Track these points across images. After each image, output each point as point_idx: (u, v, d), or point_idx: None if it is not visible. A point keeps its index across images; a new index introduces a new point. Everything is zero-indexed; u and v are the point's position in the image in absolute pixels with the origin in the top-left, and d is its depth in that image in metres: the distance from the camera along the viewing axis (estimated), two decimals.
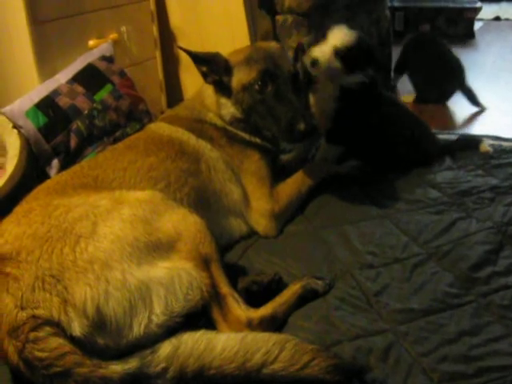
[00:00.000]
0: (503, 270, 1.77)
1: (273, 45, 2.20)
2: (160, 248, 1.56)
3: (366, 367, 1.41)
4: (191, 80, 3.30)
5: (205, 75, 2.12)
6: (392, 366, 1.43)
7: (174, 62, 3.51)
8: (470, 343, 1.49)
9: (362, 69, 2.23)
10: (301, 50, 2.49)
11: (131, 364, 1.35)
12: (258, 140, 2.15)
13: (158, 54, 3.41)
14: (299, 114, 1.97)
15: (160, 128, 2.17)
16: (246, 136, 2.15)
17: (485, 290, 1.69)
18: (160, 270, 1.50)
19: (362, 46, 2.16)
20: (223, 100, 2.13)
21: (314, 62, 2.13)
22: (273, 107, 2.02)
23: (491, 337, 1.51)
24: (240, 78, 2.07)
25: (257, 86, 2.03)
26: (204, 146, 2.09)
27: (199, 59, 2.09)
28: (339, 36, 2.15)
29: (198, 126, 2.14)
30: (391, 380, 1.40)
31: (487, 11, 7.04)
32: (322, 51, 2.14)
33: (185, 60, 3.36)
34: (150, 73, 3.37)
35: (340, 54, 2.13)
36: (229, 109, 2.12)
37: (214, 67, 2.09)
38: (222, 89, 2.12)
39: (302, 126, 1.93)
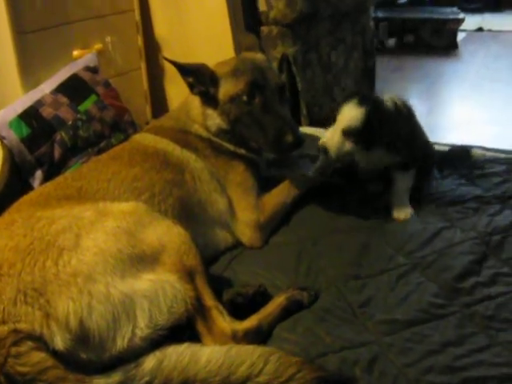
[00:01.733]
0: (487, 280, 1.77)
1: (259, 56, 2.21)
2: (144, 260, 1.55)
3: (352, 379, 1.41)
4: (176, 91, 3.29)
5: (191, 86, 2.11)
6: (377, 378, 1.43)
7: (159, 73, 3.50)
8: (454, 354, 1.49)
9: (380, 144, 2.03)
10: (286, 61, 2.49)
11: (115, 378, 1.35)
12: (243, 151, 2.16)
13: (142, 64, 3.40)
14: (287, 125, 1.99)
15: (145, 139, 2.16)
16: (231, 147, 2.15)
17: (469, 300, 1.69)
18: (144, 282, 1.49)
19: (373, 123, 1.95)
20: (209, 111, 2.13)
21: (324, 150, 1.99)
22: (260, 119, 2.02)
23: (475, 347, 1.51)
24: (227, 89, 2.08)
25: (244, 98, 2.04)
26: (189, 156, 2.09)
27: (185, 70, 2.09)
28: (347, 117, 1.96)
29: (182, 137, 2.14)
30: None
31: (470, 22, 7.13)
32: (331, 137, 1.98)
33: (170, 71, 3.36)
34: (134, 83, 3.36)
35: (350, 136, 1.96)
36: (215, 120, 2.12)
37: (200, 78, 2.09)
38: (208, 100, 2.12)
39: (290, 138, 1.96)
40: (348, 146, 1.98)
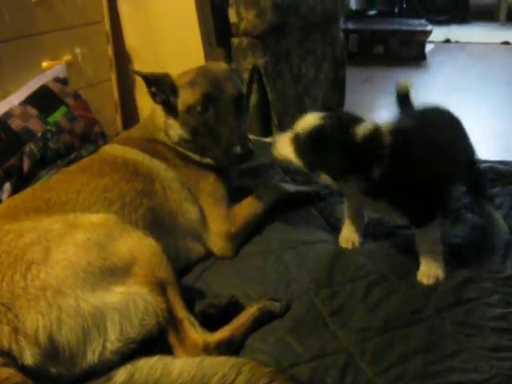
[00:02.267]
0: (457, 285, 1.80)
1: (221, 66, 2.22)
2: (115, 273, 1.53)
3: None
4: (147, 101, 3.24)
5: (153, 95, 2.13)
6: None
7: (130, 84, 3.49)
8: (425, 360, 1.51)
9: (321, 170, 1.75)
10: (256, 72, 2.49)
11: None
12: (208, 160, 2.16)
13: (113, 75, 3.39)
14: (236, 137, 2.02)
15: (114, 149, 2.15)
16: (197, 157, 2.15)
17: (439, 306, 1.72)
18: (115, 295, 1.48)
19: (325, 134, 1.72)
20: (171, 121, 2.14)
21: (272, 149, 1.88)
22: (213, 129, 2.06)
23: (445, 353, 1.53)
24: (185, 99, 2.09)
25: (199, 108, 2.06)
26: (159, 165, 2.08)
27: (148, 80, 2.11)
28: (300, 124, 1.79)
29: (151, 146, 2.14)
30: None
31: (438, 34, 7.25)
32: (281, 138, 1.86)
33: (140, 81, 3.30)
34: (105, 94, 3.34)
35: (293, 142, 1.78)
36: (176, 130, 2.13)
37: (161, 87, 2.11)
38: (170, 109, 2.13)
39: (238, 150, 1.99)
40: (288, 150, 1.80)
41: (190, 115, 2.08)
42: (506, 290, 1.79)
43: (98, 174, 1.97)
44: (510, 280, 1.83)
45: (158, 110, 2.19)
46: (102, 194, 1.90)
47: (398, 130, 1.76)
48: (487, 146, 3.83)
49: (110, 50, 3.36)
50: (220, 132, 2.04)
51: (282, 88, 3.56)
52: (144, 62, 3.39)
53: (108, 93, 3.37)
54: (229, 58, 3.40)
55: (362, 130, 1.70)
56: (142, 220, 1.91)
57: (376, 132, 1.72)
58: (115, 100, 3.42)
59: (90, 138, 2.67)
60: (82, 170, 2.03)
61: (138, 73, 2.14)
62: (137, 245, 1.63)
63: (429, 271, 1.82)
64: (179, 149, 2.15)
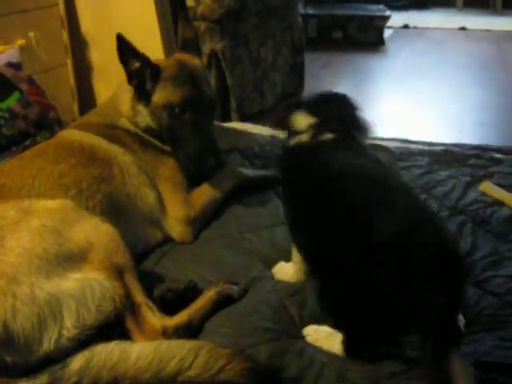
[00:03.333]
0: None
1: (197, 64, 2.19)
2: (71, 259, 1.52)
3: (280, 369, 1.43)
4: (105, 87, 3.24)
5: (132, 74, 2.05)
6: (305, 367, 1.45)
7: (87, 69, 3.44)
8: None
9: None
10: (215, 57, 2.48)
11: (41, 380, 1.32)
12: (168, 148, 2.15)
13: (69, 60, 3.34)
14: (211, 149, 2.06)
15: (71, 135, 2.12)
16: (159, 144, 2.14)
17: None
18: (71, 281, 1.47)
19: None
20: (140, 107, 2.10)
21: None
22: (187, 134, 2.05)
23: None
24: (163, 95, 2.06)
25: (177, 110, 2.04)
26: (116, 150, 2.06)
27: (136, 54, 2.02)
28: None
29: (109, 132, 2.11)
30: (305, 380, 1.43)
31: (396, 19, 7.33)
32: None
33: (98, 67, 3.32)
34: (61, 80, 3.29)
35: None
36: (144, 117, 2.10)
37: (143, 69, 2.04)
38: (142, 95, 2.09)
39: (212, 162, 2.05)
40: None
41: (164, 111, 2.06)
42: None
43: (53, 160, 1.94)
44: None
45: (125, 96, 2.14)
46: (58, 180, 1.87)
47: None
48: (443, 129, 3.92)
49: (65, 35, 3.30)
50: (194, 140, 2.05)
51: (240, 73, 3.56)
52: (101, 47, 3.35)
53: (64, 78, 3.32)
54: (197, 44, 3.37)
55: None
56: (100, 205, 1.90)
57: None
58: (71, 86, 3.38)
59: (46, 124, 2.62)
60: (37, 155, 2.00)
61: (124, 41, 1.99)
62: (93, 231, 1.62)
63: None
64: (142, 135, 2.12)
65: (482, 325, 1.60)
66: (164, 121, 2.07)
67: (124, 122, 2.14)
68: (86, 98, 3.45)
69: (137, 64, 2.03)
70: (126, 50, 2.01)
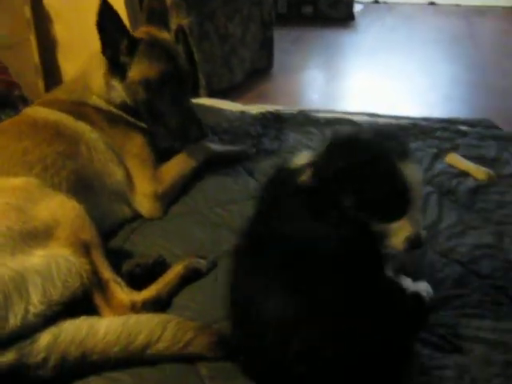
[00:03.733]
0: None
1: (167, 37, 2.16)
2: (36, 236, 1.51)
3: None
4: (70, 63, 3.19)
5: (107, 44, 1.99)
6: None
7: (51, 45, 3.37)
8: None
9: None
10: (181, 32, 2.44)
11: (8, 356, 1.31)
12: (142, 124, 2.13)
13: (32, 36, 3.26)
14: (194, 119, 2.07)
15: (36, 112, 2.08)
16: (132, 120, 2.11)
17: None
18: (36, 258, 1.46)
19: None
20: (115, 82, 2.06)
21: None
22: (167, 109, 2.05)
23: None
24: (140, 69, 2.02)
25: (154, 85, 2.02)
26: (83, 127, 2.03)
27: (117, 22, 1.97)
28: None
29: (77, 109, 2.07)
30: None
31: None
32: None
33: (62, 42, 3.25)
34: (24, 57, 3.22)
35: None
36: (119, 93, 2.07)
37: (120, 40, 1.99)
38: (116, 69, 2.04)
39: (195, 132, 2.06)
40: None
41: (141, 87, 2.03)
42: None
43: (17, 137, 1.91)
44: None
45: (97, 72, 2.08)
46: (22, 157, 1.85)
47: None
48: (412, 104, 3.95)
49: (27, 10, 3.22)
50: (175, 113, 2.05)
51: (208, 49, 3.53)
52: (65, 22, 3.28)
53: (27, 55, 3.25)
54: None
55: None
56: (66, 182, 1.88)
57: None
58: (35, 62, 3.31)
59: (10, 102, 2.58)
60: (0, 133, 1.96)
61: (107, 4, 1.92)
62: (59, 207, 1.60)
63: None
64: (114, 110, 2.09)
65: (446, 292, 1.63)
66: (140, 96, 2.05)
67: (95, 100, 2.09)
68: (50, 75, 3.38)
69: (115, 33, 1.98)
70: (107, 15, 1.94)
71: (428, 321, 1.50)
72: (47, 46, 3.33)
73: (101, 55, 2.03)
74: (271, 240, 1.31)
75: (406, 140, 1.49)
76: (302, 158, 1.42)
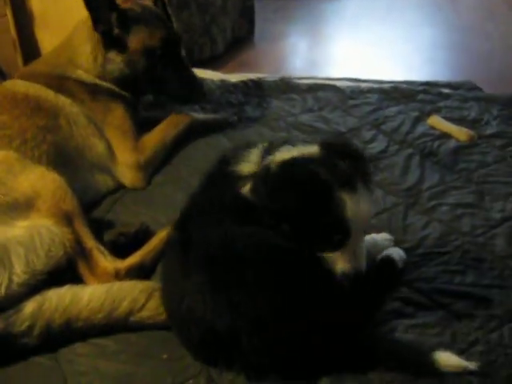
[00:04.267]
0: None
1: (154, 6, 2.17)
2: (17, 208, 1.52)
3: None
4: (47, 36, 3.14)
5: (99, 20, 1.99)
6: None
7: (28, 20, 3.31)
8: None
9: None
10: (159, 2, 2.40)
11: None
12: (126, 94, 2.12)
13: (8, 11, 3.20)
14: (196, 81, 2.18)
15: (15, 85, 2.05)
16: (116, 89, 2.10)
17: None
18: (18, 229, 1.47)
19: None
20: (112, 55, 2.06)
21: None
22: (170, 75, 2.10)
23: None
24: (139, 39, 2.04)
25: (159, 52, 2.06)
26: (64, 101, 2.01)
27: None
28: None
29: (58, 82, 2.05)
30: None
31: None
32: None
33: (39, 16, 3.19)
34: (1, 31, 3.16)
35: None
36: (118, 65, 2.06)
37: (109, 13, 1.99)
38: (110, 42, 2.04)
39: (199, 92, 2.18)
40: None
41: (143, 57, 2.05)
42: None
43: None
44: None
45: (84, 46, 2.07)
46: (1, 131, 1.83)
47: None
48: (393, 68, 3.95)
49: None
50: (178, 77, 2.11)
51: (188, 18, 3.48)
52: None
53: (4, 29, 3.20)
54: None
55: None
56: (46, 155, 1.87)
57: None
58: (13, 37, 3.25)
59: None
60: None
61: None
62: (39, 180, 1.61)
63: None
64: (100, 83, 2.07)
65: (428, 249, 1.65)
66: (144, 66, 2.07)
67: (79, 74, 2.07)
68: (28, 49, 3.33)
69: (104, 8, 1.98)
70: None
71: (400, 282, 1.52)
72: (23, 20, 3.28)
73: (87, 30, 2.04)
74: (199, 240, 1.30)
75: (364, 159, 1.38)
76: (252, 161, 1.37)
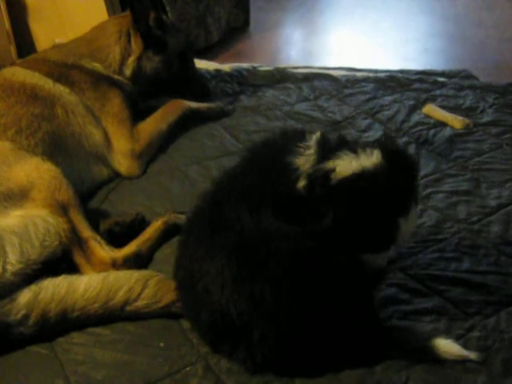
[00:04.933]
0: None
1: None
2: (12, 198, 1.51)
3: None
4: (41, 28, 3.12)
5: (142, 19, 2.11)
6: None
7: (22, 12, 3.28)
8: None
9: None
10: None
11: None
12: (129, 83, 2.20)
13: (2, 2, 3.18)
14: (205, 80, 2.52)
15: (13, 74, 2.04)
16: (125, 80, 2.18)
17: None
18: (12, 219, 1.46)
19: None
20: (149, 55, 2.17)
21: None
22: (193, 74, 2.36)
23: None
24: (176, 42, 2.21)
25: (188, 55, 2.29)
26: (62, 90, 2.01)
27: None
28: None
29: (61, 71, 2.06)
30: None
31: None
32: None
33: (32, 7, 3.17)
34: None
35: None
36: (154, 64, 2.19)
37: (148, 14, 2.14)
38: (151, 42, 2.16)
39: (208, 89, 2.46)
40: None
41: (177, 59, 2.24)
42: None
43: None
44: None
45: (115, 42, 2.16)
46: None
47: None
48: (388, 57, 3.93)
49: None
50: (198, 75, 2.42)
51: (182, 7, 3.45)
52: None
53: None
54: None
55: None
56: (42, 144, 1.86)
57: None
58: (7, 29, 3.23)
59: None
60: None
61: None
62: (34, 170, 1.60)
63: None
64: (115, 77, 2.15)
65: (424, 236, 1.65)
66: (177, 67, 2.25)
67: (96, 67, 2.13)
68: (22, 41, 3.31)
69: (145, 10, 2.11)
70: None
71: (388, 275, 1.52)
72: (18, 12, 3.26)
73: (118, 28, 2.17)
74: (232, 224, 1.25)
75: (418, 170, 1.33)
76: (308, 156, 1.29)
